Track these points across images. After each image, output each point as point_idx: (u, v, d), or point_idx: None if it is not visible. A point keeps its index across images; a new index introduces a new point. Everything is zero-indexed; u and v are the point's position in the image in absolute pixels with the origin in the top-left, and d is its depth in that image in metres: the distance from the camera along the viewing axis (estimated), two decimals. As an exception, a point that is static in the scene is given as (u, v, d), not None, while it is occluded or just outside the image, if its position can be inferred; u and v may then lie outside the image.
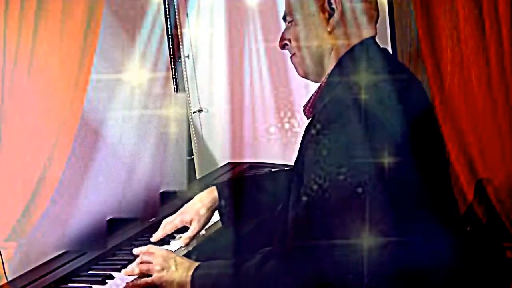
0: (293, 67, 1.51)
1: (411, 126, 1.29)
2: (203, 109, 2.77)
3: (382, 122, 1.28)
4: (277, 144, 2.64)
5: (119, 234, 1.81)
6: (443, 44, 2.13)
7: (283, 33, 1.50)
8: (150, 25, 2.43)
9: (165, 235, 1.72)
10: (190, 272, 1.44)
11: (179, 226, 1.72)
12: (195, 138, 2.70)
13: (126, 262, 1.62)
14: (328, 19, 1.40)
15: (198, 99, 2.77)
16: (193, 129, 2.70)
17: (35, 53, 1.66)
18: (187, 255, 1.62)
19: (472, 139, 2.12)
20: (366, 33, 1.43)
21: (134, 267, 1.52)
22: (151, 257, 1.50)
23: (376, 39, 1.45)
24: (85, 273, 1.60)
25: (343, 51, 1.42)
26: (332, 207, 1.29)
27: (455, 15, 2.08)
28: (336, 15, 1.39)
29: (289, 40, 1.48)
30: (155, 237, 1.72)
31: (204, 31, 2.75)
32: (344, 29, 1.41)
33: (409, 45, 2.46)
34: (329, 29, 1.40)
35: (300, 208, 1.30)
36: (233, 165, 2.55)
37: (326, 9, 1.40)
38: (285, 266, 1.33)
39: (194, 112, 2.75)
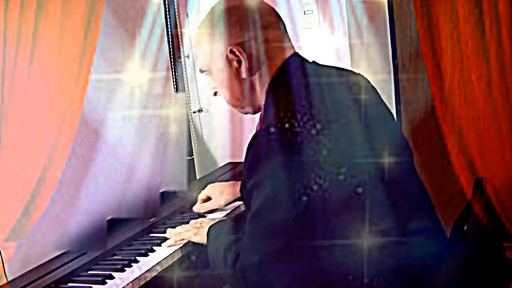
0: None
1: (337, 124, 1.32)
2: (203, 109, 2.77)
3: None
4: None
5: (119, 234, 1.81)
6: (443, 44, 2.13)
7: (210, 83, 1.51)
8: (150, 25, 2.43)
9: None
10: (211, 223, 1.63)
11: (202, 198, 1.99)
12: (195, 138, 2.70)
13: (126, 262, 1.62)
14: (239, 67, 1.42)
15: (198, 99, 2.77)
16: (193, 129, 2.70)
17: (35, 53, 1.65)
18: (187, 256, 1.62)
19: (472, 139, 2.12)
20: (285, 53, 1.43)
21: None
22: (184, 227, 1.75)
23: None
24: (85, 273, 1.60)
25: (268, 80, 1.42)
26: (332, 207, 1.29)
27: (455, 15, 2.08)
28: (244, 63, 1.40)
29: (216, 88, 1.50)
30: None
31: (204, 31, 2.75)
32: (259, 65, 1.42)
33: (409, 45, 2.46)
34: (244, 76, 1.42)
35: (300, 208, 1.30)
36: (233, 165, 2.55)
37: (233, 59, 1.42)
38: (285, 266, 1.33)
39: (194, 112, 2.75)
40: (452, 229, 1.63)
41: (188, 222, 1.86)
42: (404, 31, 2.46)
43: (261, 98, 1.45)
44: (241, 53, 1.40)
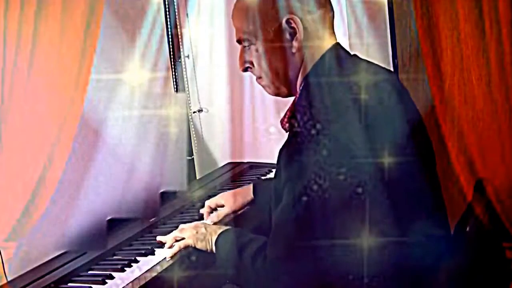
0: None
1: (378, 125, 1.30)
2: (203, 109, 2.77)
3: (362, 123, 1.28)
4: (277, 144, 2.64)
5: (119, 234, 1.81)
6: (443, 44, 2.13)
7: (242, 56, 1.43)
8: (150, 25, 2.43)
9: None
10: (219, 231, 1.57)
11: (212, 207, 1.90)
12: (195, 138, 2.70)
13: (126, 262, 1.62)
14: (291, 40, 1.35)
15: (198, 99, 2.77)
16: (193, 129, 2.70)
17: (35, 53, 1.66)
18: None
19: (472, 139, 2.12)
20: (330, 40, 1.39)
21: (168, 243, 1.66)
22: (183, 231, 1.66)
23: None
24: (85, 273, 1.60)
25: (311, 64, 1.37)
26: (332, 207, 1.29)
27: (455, 15, 2.08)
28: (299, 35, 1.33)
29: (251, 63, 1.42)
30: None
31: (204, 31, 2.75)
32: (309, 44, 1.35)
33: (409, 45, 2.46)
34: (293, 51, 1.35)
35: (300, 208, 1.30)
36: (233, 165, 2.55)
37: (286, 30, 1.34)
38: (285, 266, 1.33)
39: (194, 112, 2.75)
40: (454, 230, 1.63)
41: (188, 222, 1.86)
42: (404, 31, 2.46)
43: (299, 81, 1.39)
44: (297, 25, 1.32)
